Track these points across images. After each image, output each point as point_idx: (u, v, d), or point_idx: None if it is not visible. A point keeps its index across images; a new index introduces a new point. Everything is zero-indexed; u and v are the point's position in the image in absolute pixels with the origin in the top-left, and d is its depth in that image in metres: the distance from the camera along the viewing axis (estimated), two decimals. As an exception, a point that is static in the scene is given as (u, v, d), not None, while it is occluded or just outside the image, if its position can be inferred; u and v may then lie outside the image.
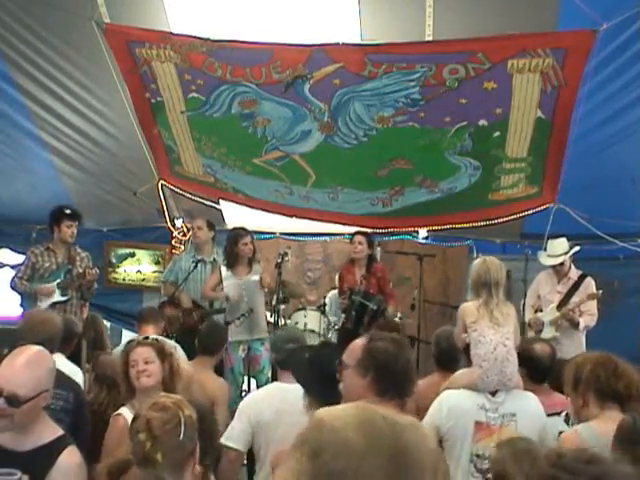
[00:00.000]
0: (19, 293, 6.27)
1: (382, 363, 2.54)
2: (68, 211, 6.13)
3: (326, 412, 2.61)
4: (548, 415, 3.60)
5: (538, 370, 3.76)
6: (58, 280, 6.00)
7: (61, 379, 2.68)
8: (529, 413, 3.50)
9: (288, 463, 2.42)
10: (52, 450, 2.49)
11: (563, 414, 3.59)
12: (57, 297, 5.99)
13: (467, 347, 3.80)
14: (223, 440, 3.41)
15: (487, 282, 3.83)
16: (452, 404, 3.54)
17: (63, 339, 4.07)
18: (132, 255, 7.66)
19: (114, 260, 6.78)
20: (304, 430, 2.51)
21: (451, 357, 4.16)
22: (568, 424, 3.55)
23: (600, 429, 2.64)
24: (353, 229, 6.90)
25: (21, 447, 2.48)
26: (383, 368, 2.53)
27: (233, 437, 3.50)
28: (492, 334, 3.61)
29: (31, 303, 6.05)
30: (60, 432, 2.58)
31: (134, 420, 2.36)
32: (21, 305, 6.38)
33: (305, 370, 3.01)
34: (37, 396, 2.45)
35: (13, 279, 6.12)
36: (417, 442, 2.35)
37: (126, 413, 3.27)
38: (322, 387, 2.78)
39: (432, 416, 3.55)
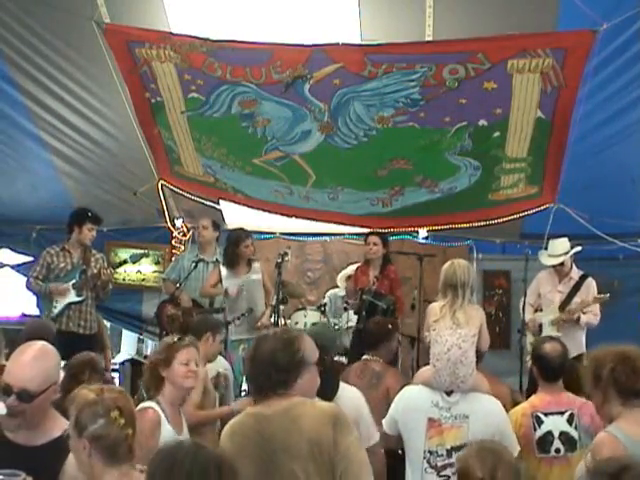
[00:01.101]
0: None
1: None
2: (91, 214, 6.17)
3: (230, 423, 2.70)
4: (551, 414, 3.60)
5: (549, 368, 3.73)
6: (73, 281, 6.00)
7: None
8: (483, 416, 3.48)
9: None
10: (64, 444, 2.48)
11: (567, 414, 3.58)
12: (72, 298, 5.99)
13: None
14: None
15: (453, 283, 3.95)
16: (408, 399, 3.62)
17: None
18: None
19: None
20: None
21: None
22: (571, 424, 3.56)
23: (631, 430, 2.61)
24: (353, 229, 6.90)
25: (33, 442, 2.50)
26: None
27: None
28: (448, 335, 3.63)
29: (47, 303, 6.06)
30: None
31: (93, 403, 2.24)
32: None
33: None
34: (47, 389, 2.48)
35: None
36: (285, 427, 2.42)
37: (155, 407, 3.24)
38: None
39: (391, 410, 3.65)
